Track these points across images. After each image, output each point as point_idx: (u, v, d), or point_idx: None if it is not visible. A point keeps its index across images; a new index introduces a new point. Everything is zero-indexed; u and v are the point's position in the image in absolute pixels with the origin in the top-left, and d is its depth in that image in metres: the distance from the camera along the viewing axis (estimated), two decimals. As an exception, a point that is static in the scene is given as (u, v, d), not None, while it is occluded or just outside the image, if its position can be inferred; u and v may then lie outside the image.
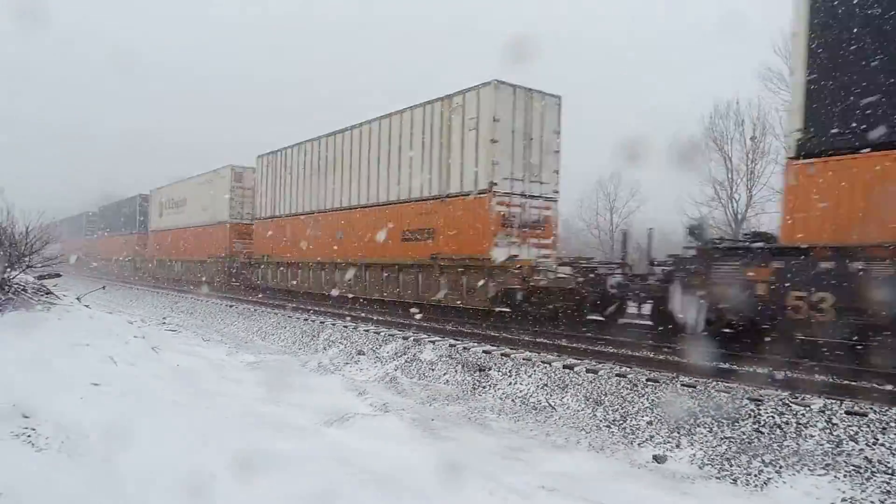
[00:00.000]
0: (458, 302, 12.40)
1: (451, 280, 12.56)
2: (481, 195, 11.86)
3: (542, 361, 8.15)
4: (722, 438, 5.56)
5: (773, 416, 5.62)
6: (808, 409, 5.61)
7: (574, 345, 9.30)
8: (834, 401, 5.75)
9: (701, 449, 5.50)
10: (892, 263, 6.33)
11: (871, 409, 5.47)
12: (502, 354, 8.74)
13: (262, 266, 20.40)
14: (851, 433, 5.13)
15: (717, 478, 5.04)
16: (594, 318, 10.62)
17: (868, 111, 6.52)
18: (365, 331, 11.54)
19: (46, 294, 10.63)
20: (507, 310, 11.72)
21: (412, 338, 10.41)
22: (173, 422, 4.94)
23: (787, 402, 5.82)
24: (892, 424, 5.10)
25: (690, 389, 6.50)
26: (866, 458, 4.82)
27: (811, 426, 5.35)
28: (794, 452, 5.09)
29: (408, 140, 13.73)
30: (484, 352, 8.99)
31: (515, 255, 11.79)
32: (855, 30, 6.77)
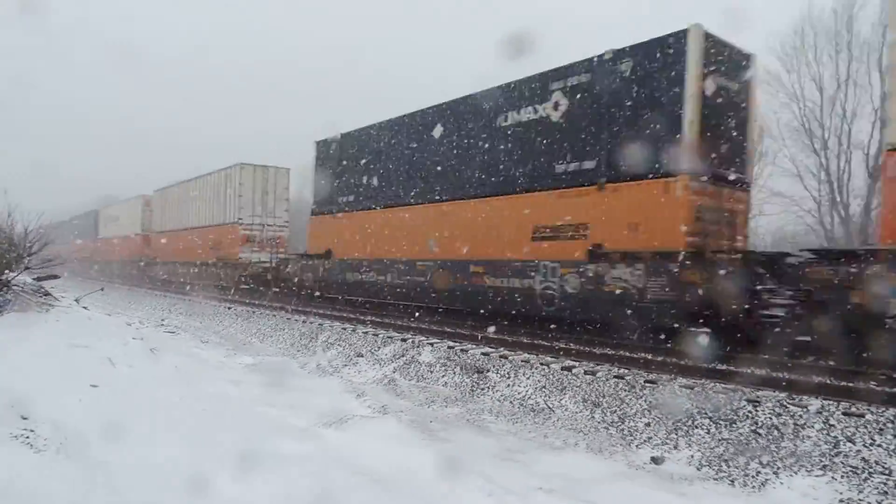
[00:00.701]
0: (226, 283, 22.05)
1: (224, 271, 22.61)
2: (235, 224, 21.89)
3: (540, 363, 8.16)
4: (720, 440, 5.57)
5: (770, 418, 5.63)
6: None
7: (573, 346, 9.31)
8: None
9: (699, 450, 5.51)
10: (320, 260, 16.54)
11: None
12: (501, 356, 8.75)
13: (155, 264, 30.26)
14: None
15: (715, 479, 5.05)
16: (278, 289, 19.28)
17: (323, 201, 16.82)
18: (363, 333, 11.55)
19: (45, 295, 10.63)
20: (245, 286, 20.96)
21: (411, 340, 10.42)
22: (172, 423, 4.94)
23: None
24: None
25: (689, 391, 6.52)
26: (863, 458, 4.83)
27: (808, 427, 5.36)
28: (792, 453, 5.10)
29: (212, 191, 23.87)
30: (482, 354, 8.99)
31: (242, 256, 21.69)
32: (323, 170, 16.71)
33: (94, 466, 3.76)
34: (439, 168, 12.85)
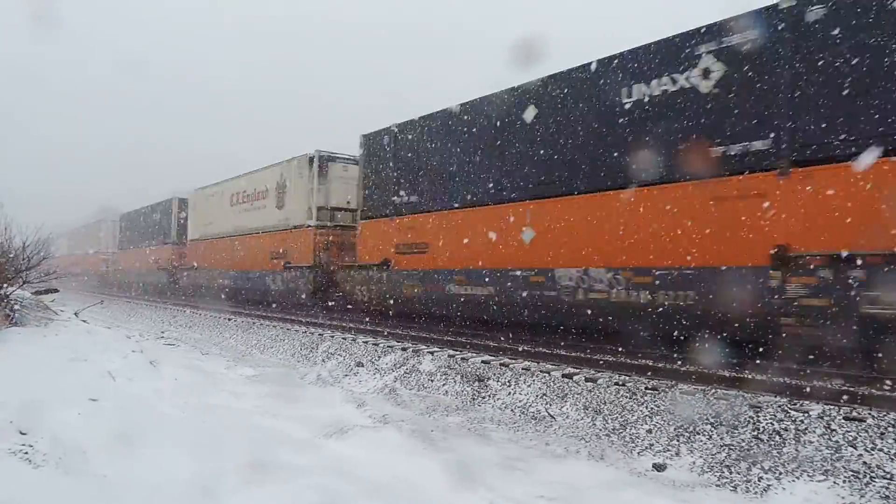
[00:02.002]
0: (93, 282, 39.42)
1: (95, 278, 40.40)
2: (99, 253, 39.44)
3: (541, 371, 8.15)
4: (721, 445, 5.56)
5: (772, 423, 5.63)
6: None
7: (573, 353, 9.31)
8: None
9: (701, 456, 5.50)
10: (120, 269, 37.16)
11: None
12: (501, 364, 8.74)
13: (70, 275, 43.28)
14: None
15: (717, 485, 5.04)
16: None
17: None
18: (364, 342, 11.54)
19: (44, 309, 10.62)
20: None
21: (411, 349, 10.41)
22: (172, 436, 4.93)
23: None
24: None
25: (690, 397, 6.51)
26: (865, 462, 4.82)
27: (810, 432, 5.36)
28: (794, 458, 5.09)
29: (90, 232, 41.87)
30: (483, 362, 8.98)
31: (101, 269, 39.04)
32: (122, 230, 37.66)
33: (93, 481, 3.75)
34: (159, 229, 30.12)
